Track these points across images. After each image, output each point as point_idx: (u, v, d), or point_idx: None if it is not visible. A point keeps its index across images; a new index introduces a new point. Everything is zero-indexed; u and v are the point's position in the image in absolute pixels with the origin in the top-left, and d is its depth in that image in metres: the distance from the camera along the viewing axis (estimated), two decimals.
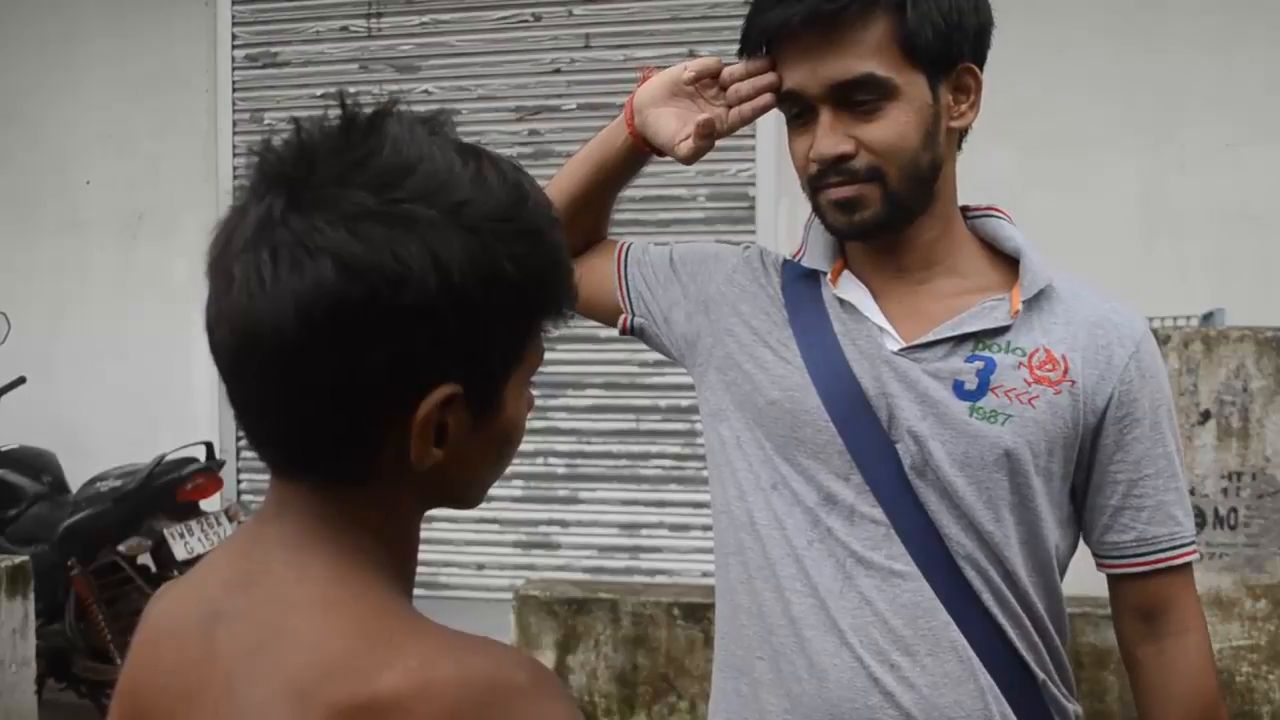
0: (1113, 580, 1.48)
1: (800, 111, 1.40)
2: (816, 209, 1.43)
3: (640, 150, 1.52)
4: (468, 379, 0.81)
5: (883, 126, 1.35)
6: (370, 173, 0.79)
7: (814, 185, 1.40)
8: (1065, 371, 1.39)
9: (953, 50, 1.37)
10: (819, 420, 1.40)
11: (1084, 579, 1.61)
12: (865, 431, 1.39)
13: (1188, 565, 1.46)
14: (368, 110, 0.82)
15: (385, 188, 0.78)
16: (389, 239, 0.77)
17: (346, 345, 0.77)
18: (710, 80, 1.46)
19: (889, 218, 1.39)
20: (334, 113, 0.82)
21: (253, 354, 0.79)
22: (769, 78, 1.41)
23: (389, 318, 0.77)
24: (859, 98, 1.35)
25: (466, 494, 0.89)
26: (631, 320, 1.59)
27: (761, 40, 1.41)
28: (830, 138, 1.36)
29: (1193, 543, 1.46)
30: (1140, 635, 1.46)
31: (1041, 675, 1.42)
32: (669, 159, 1.50)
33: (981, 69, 1.42)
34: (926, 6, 1.34)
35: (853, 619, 1.38)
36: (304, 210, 0.78)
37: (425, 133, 0.82)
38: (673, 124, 1.45)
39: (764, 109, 1.43)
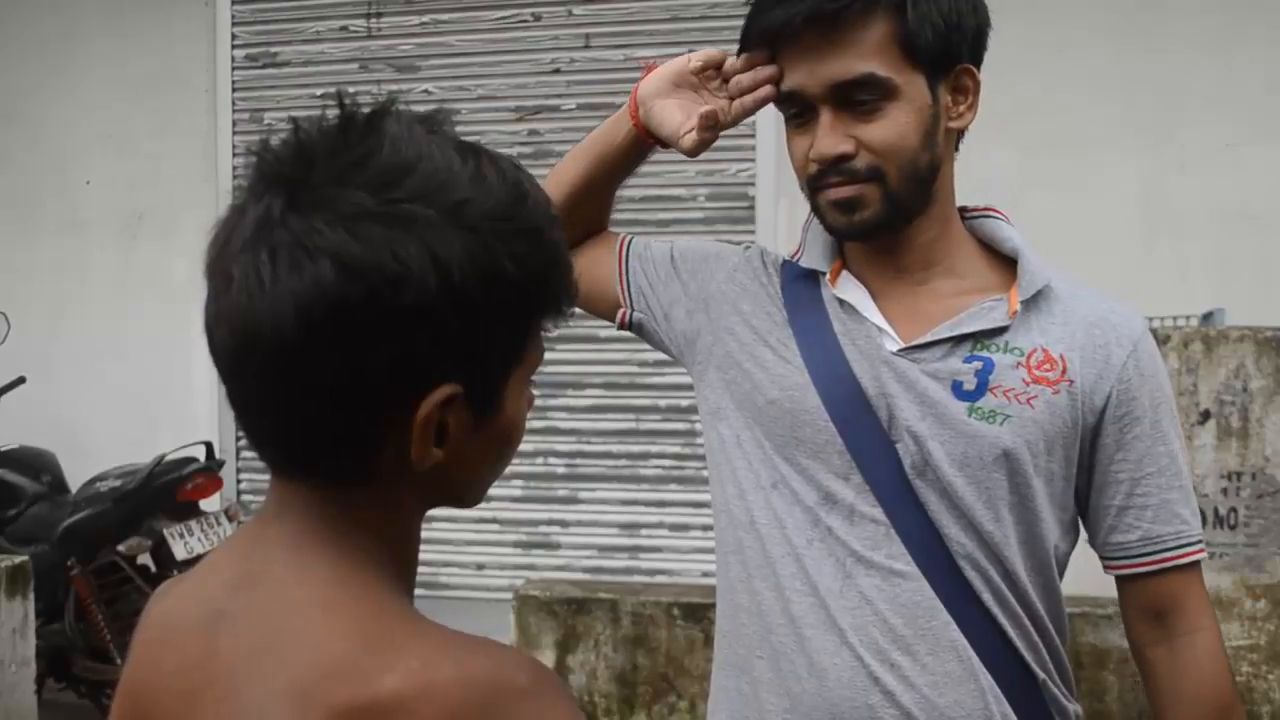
0: (1120, 582, 1.47)
1: (799, 111, 1.40)
2: (815, 209, 1.43)
3: (644, 142, 1.52)
4: (468, 379, 0.81)
5: (883, 126, 1.35)
6: (369, 172, 0.79)
7: (813, 185, 1.40)
8: (1063, 371, 1.39)
9: (952, 51, 1.37)
10: (819, 420, 1.41)
11: (1084, 579, 1.60)
12: (865, 431, 1.39)
13: (1196, 564, 1.45)
14: (366, 110, 0.82)
15: (384, 187, 0.78)
16: (388, 239, 0.77)
17: (346, 346, 0.77)
18: (714, 72, 1.46)
19: (888, 218, 1.39)
20: (332, 112, 0.82)
21: (252, 354, 0.79)
22: (769, 69, 1.41)
23: (388, 318, 0.77)
24: (859, 98, 1.35)
25: (467, 493, 0.89)
26: (630, 315, 1.59)
27: (762, 40, 1.41)
28: (830, 137, 1.36)
29: (1200, 541, 1.45)
30: (1152, 636, 1.45)
31: (1041, 675, 1.41)
32: (670, 155, 1.50)
33: (979, 70, 1.42)
34: (927, 7, 1.34)
35: (853, 618, 1.38)
36: (303, 210, 0.78)
37: (424, 131, 0.82)
38: (677, 116, 1.45)
39: (765, 100, 1.43)
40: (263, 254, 0.77)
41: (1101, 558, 1.48)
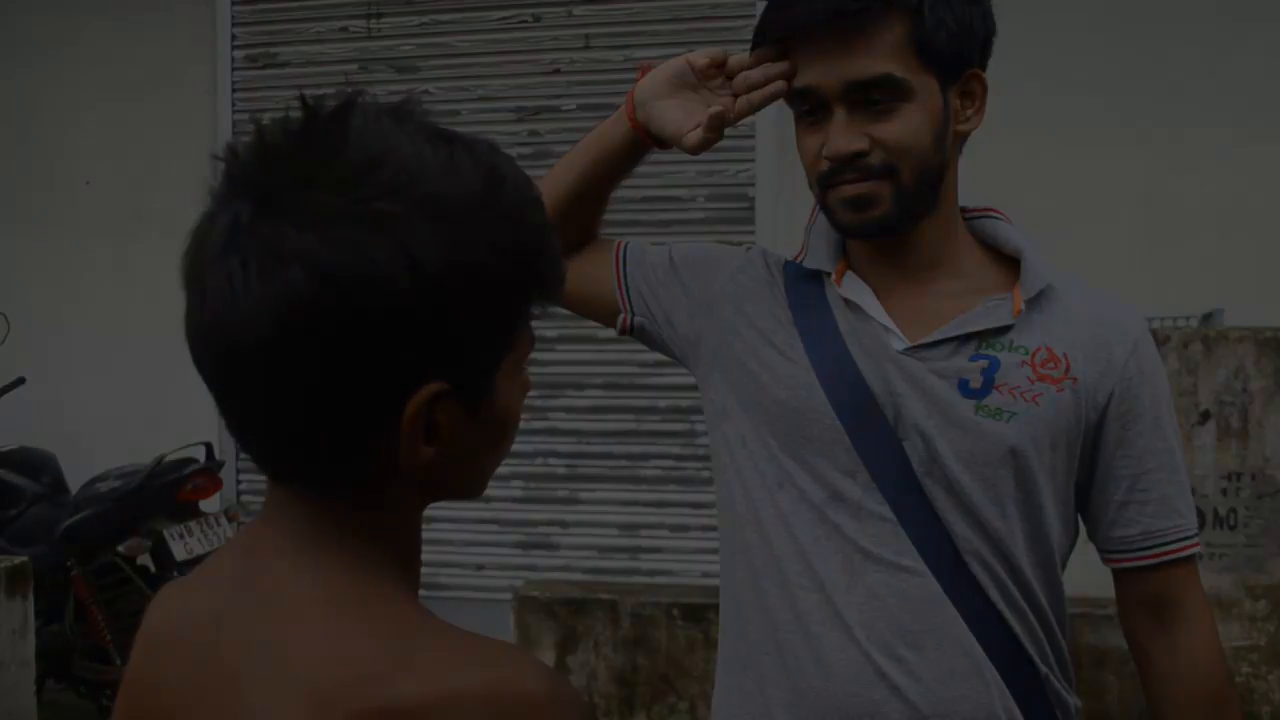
0: (1119, 574, 1.49)
1: (811, 109, 1.40)
2: (825, 206, 1.43)
3: (643, 144, 1.52)
4: (455, 373, 0.79)
5: (897, 125, 1.36)
6: (335, 171, 0.76)
7: (825, 183, 1.41)
8: (1067, 369, 1.40)
9: (963, 55, 1.39)
10: (825, 418, 1.41)
11: (1084, 580, 1.61)
12: (872, 430, 1.40)
13: (1192, 557, 1.47)
14: (330, 106, 0.80)
15: (352, 186, 0.76)
16: (358, 240, 0.75)
17: (325, 351, 0.75)
18: (715, 70, 1.46)
19: (898, 217, 1.40)
20: (296, 113, 0.80)
21: (233, 364, 0.78)
22: (782, 65, 1.41)
23: (365, 320, 0.75)
24: (874, 97, 1.36)
25: (467, 486, 0.87)
26: (631, 320, 1.59)
27: (779, 37, 1.41)
28: (845, 135, 1.36)
29: (1196, 535, 1.47)
30: (1149, 628, 1.47)
31: (1044, 669, 1.43)
32: (670, 155, 1.50)
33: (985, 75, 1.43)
34: (942, 11, 1.36)
35: (860, 613, 1.39)
36: (271, 215, 0.76)
37: (392, 123, 0.79)
38: (678, 116, 1.46)
39: (775, 96, 1.43)
40: (234, 262, 0.76)
41: (1100, 551, 1.49)
